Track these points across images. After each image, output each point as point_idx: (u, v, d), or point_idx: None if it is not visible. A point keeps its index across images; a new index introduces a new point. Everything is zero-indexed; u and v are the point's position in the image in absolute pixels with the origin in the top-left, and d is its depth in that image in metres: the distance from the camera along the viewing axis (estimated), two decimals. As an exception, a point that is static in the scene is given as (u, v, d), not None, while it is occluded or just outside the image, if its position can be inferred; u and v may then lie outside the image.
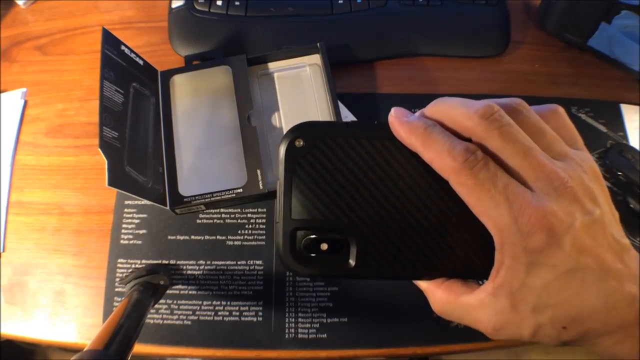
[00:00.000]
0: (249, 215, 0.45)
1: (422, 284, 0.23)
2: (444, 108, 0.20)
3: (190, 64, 0.48)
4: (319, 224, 0.20)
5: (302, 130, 0.20)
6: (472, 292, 0.21)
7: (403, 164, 0.20)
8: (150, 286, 0.39)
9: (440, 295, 0.22)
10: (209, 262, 0.44)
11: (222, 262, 0.44)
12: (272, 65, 0.49)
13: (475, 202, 0.19)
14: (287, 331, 0.42)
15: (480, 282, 0.21)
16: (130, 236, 0.45)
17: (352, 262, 0.20)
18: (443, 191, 0.20)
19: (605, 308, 0.19)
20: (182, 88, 0.47)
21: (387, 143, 0.20)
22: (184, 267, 0.44)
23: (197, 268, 0.44)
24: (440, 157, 0.19)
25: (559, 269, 0.18)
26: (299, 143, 0.20)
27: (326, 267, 0.21)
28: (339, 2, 0.51)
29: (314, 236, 0.20)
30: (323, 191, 0.20)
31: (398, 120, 0.20)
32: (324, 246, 0.20)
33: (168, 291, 0.43)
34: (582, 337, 0.19)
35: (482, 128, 0.19)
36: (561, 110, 0.21)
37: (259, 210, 0.45)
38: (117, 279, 0.43)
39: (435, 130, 0.19)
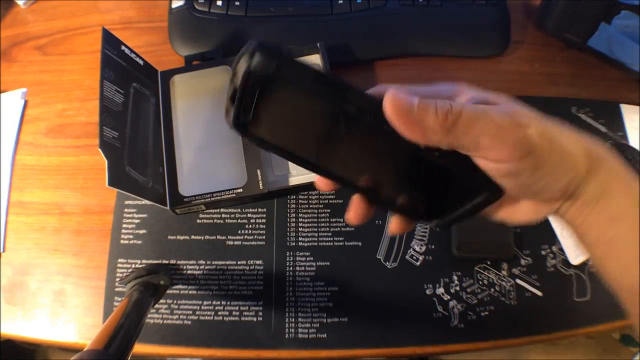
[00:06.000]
0: (249, 215, 0.45)
1: None
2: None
3: (190, 64, 0.48)
4: None
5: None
6: None
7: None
8: (150, 286, 0.39)
9: None
10: (209, 262, 0.44)
11: (222, 262, 0.44)
12: (272, 65, 0.49)
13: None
14: (287, 331, 0.42)
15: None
16: (131, 236, 0.45)
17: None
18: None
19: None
20: (182, 88, 0.47)
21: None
22: (184, 267, 0.44)
23: (197, 268, 0.44)
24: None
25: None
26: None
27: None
28: (339, 2, 0.51)
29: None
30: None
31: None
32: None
33: (168, 291, 0.43)
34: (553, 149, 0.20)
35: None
36: None
37: (259, 210, 0.45)
38: (117, 279, 0.43)
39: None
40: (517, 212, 0.23)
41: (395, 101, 0.19)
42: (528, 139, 0.19)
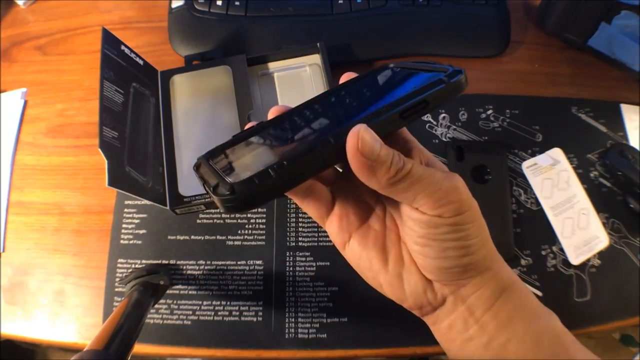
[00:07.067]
0: (249, 215, 0.45)
1: None
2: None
3: (190, 64, 0.48)
4: None
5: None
6: None
7: None
8: (150, 286, 0.39)
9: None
10: (209, 262, 0.44)
11: (222, 262, 0.44)
12: (272, 65, 0.49)
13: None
14: (287, 331, 0.42)
15: None
16: (130, 236, 0.45)
17: None
18: None
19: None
20: (182, 88, 0.47)
21: None
22: (184, 267, 0.44)
23: (197, 268, 0.44)
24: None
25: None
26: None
27: None
28: (339, 2, 0.51)
29: None
30: None
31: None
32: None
33: (168, 291, 0.43)
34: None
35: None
36: None
37: (259, 210, 0.45)
38: (117, 279, 0.43)
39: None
40: (407, 282, 0.25)
41: (360, 145, 0.19)
42: (462, 203, 0.21)
